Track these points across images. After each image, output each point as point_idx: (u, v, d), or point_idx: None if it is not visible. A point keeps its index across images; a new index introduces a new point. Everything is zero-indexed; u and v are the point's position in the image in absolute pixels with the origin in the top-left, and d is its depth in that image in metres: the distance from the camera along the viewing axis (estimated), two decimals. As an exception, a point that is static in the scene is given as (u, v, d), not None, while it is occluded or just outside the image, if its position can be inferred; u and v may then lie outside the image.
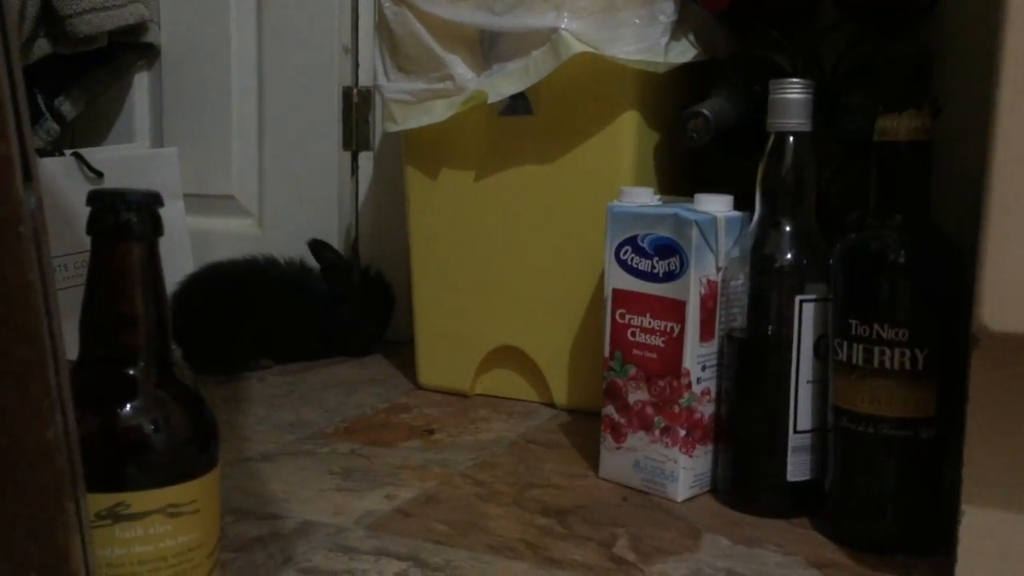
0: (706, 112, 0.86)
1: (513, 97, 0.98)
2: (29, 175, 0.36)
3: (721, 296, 0.77)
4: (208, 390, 0.54)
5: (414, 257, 1.10)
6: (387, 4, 1.02)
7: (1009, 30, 0.52)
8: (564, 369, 1.02)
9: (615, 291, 0.81)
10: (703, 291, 0.76)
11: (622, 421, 0.81)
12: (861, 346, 0.67)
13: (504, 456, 0.88)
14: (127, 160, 1.33)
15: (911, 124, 0.66)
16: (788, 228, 0.74)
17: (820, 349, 0.73)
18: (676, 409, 0.77)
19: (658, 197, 0.84)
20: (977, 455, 0.59)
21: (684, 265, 0.75)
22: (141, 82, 1.50)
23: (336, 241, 1.34)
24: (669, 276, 0.77)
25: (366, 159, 1.38)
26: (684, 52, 0.95)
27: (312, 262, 1.26)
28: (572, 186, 0.98)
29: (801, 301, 0.73)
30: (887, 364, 0.66)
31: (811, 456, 0.74)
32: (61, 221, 1.02)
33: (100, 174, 1.24)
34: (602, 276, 0.83)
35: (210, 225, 1.43)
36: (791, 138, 0.74)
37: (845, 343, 0.68)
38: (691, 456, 0.77)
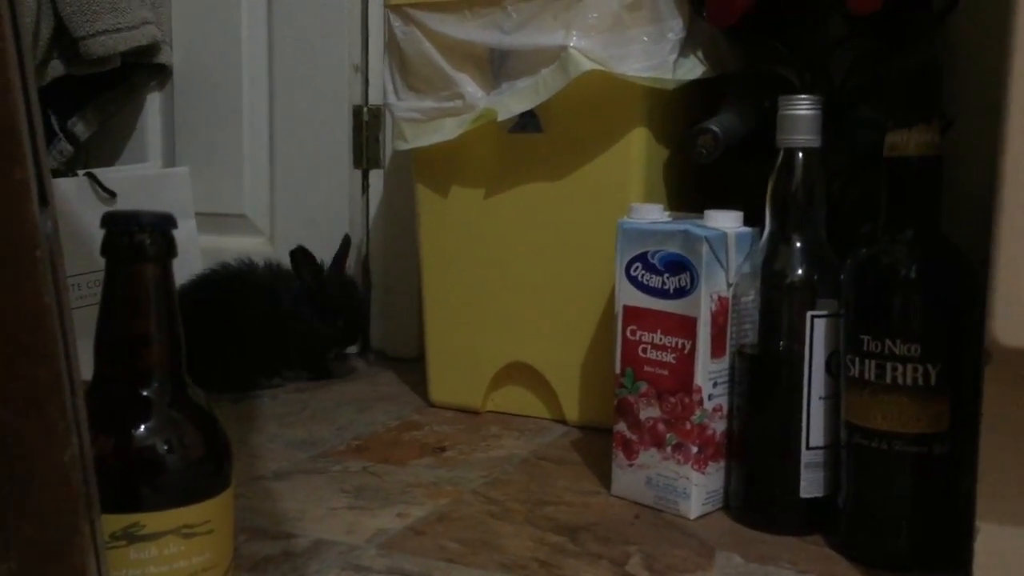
0: (715, 128, 0.86)
1: (523, 115, 0.98)
2: (45, 199, 0.36)
3: (732, 312, 0.77)
4: (221, 408, 0.54)
5: (425, 274, 1.10)
6: (397, 24, 1.02)
7: (1017, 42, 0.52)
8: (575, 386, 1.02)
9: (626, 307, 0.81)
10: (714, 307, 0.76)
11: (634, 438, 0.81)
12: (873, 362, 0.67)
13: (516, 473, 0.88)
14: (139, 180, 1.34)
15: (921, 139, 0.66)
16: (798, 244, 0.74)
17: (832, 365, 0.73)
18: (688, 426, 0.77)
19: (667, 213, 0.84)
20: (992, 471, 0.59)
21: (695, 281, 0.76)
22: (153, 102, 1.51)
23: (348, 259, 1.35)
24: (680, 292, 0.77)
25: (376, 177, 1.38)
26: (693, 69, 0.95)
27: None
28: (582, 203, 0.99)
29: (812, 317, 0.73)
30: (900, 380, 0.66)
31: (824, 473, 0.74)
32: (74, 241, 1.03)
33: (113, 194, 1.25)
34: (612, 292, 0.83)
35: (222, 243, 1.43)
36: (800, 154, 0.74)
37: (857, 359, 0.68)
38: (703, 473, 0.77)
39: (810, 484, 0.74)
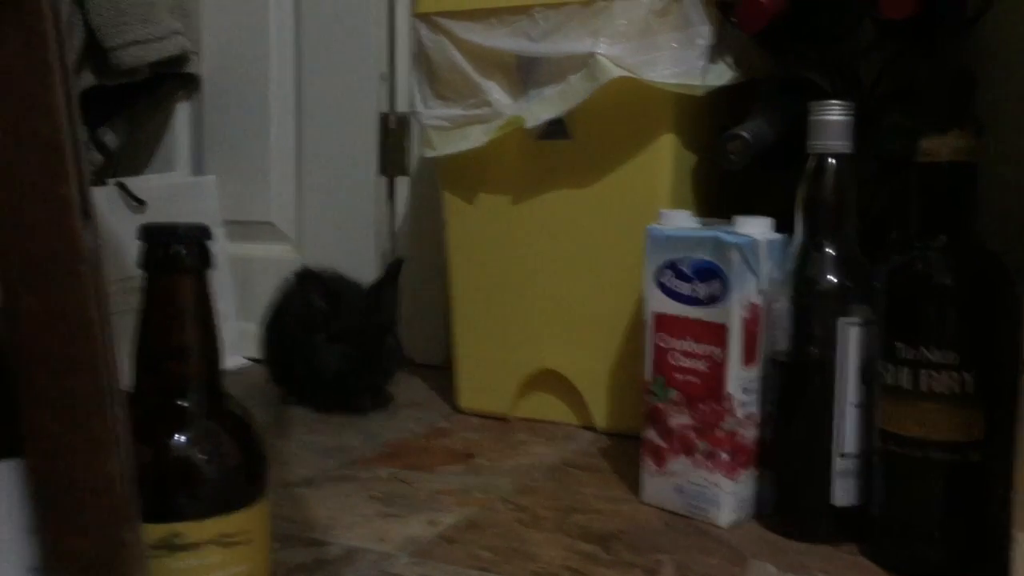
0: (745, 135, 0.86)
1: (550, 122, 0.98)
2: (87, 213, 0.37)
3: (763, 319, 0.77)
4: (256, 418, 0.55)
5: (453, 281, 1.11)
6: (425, 32, 1.03)
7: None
8: (604, 392, 1.02)
9: (655, 315, 0.81)
10: (745, 315, 0.76)
11: (664, 445, 0.80)
12: (907, 369, 0.66)
13: (545, 480, 0.88)
14: (168, 189, 1.35)
15: (955, 144, 0.66)
16: (830, 250, 0.74)
17: (865, 372, 0.72)
18: (719, 433, 0.76)
19: (696, 220, 0.84)
20: (1029, 480, 0.58)
21: (726, 289, 0.75)
22: (182, 111, 1.52)
23: (373, 266, 1.35)
24: (711, 300, 0.76)
25: (402, 184, 1.39)
26: (721, 75, 0.95)
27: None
28: (610, 209, 0.99)
29: (845, 324, 0.72)
30: (935, 387, 0.65)
31: (857, 480, 0.73)
32: (105, 249, 1.04)
33: (142, 202, 1.26)
34: (641, 299, 0.83)
35: (249, 251, 1.44)
36: (832, 160, 0.73)
37: (891, 366, 0.67)
38: (735, 481, 0.77)
39: (842, 492, 0.73)
